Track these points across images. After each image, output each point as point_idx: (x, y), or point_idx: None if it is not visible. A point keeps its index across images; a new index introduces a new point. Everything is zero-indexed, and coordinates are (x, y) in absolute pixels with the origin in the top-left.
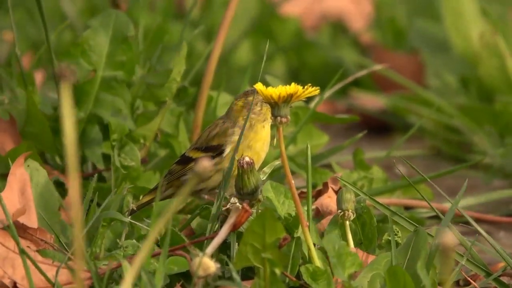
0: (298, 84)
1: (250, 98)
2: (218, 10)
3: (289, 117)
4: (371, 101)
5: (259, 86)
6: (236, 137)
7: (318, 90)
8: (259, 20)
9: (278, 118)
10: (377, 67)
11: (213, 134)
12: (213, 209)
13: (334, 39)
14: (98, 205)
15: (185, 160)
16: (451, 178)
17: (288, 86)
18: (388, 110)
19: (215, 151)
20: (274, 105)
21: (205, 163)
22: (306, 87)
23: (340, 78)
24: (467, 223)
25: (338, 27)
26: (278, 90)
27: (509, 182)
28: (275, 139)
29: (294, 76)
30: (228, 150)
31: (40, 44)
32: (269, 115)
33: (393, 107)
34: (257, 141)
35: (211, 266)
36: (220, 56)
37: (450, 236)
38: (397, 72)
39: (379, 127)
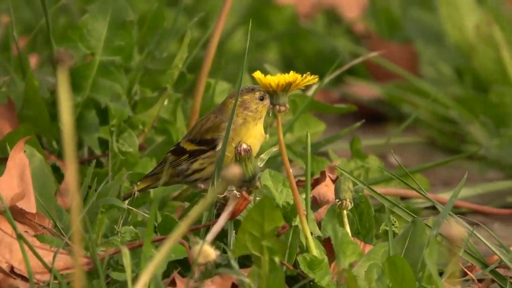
0: (293, 71)
1: (246, 97)
2: None
3: (287, 105)
4: (365, 90)
5: (257, 74)
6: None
7: (317, 79)
8: (254, 7)
9: (277, 106)
10: (373, 54)
11: (205, 128)
12: (208, 197)
13: (329, 27)
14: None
15: (180, 151)
16: (445, 169)
17: (286, 74)
18: (382, 100)
19: (209, 144)
20: (273, 93)
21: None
22: (304, 75)
23: (336, 66)
24: (462, 214)
25: (332, 15)
26: (277, 79)
27: (504, 174)
28: (269, 128)
29: (289, 64)
30: (221, 144)
31: (34, 28)
32: (264, 113)
33: (388, 96)
34: (248, 138)
35: (211, 253)
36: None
37: (456, 228)
38: (391, 61)
39: (372, 116)
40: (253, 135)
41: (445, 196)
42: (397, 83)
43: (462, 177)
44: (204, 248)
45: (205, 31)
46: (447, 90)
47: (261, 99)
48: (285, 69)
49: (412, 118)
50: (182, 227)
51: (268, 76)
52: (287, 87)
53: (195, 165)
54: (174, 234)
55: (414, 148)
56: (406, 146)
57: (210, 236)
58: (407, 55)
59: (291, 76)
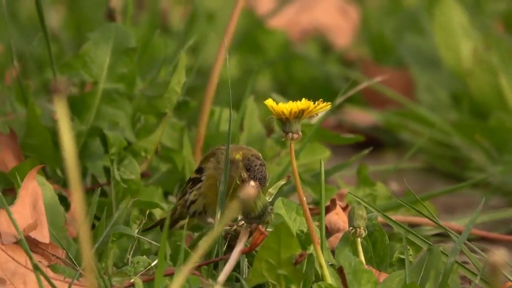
0: (286, 97)
1: (237, 157)
2: (202, 24)
3: (300, 133)
4: (361, 117)
5: (269, 102)
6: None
7: (330, 105)
8: (246, 32)
9: (290, 134)
10: (375, 80)
11: (204, 156)
12: (219, 225)
13: (322, 52)
14: (98, 219)
15: (189, 179)
16: (446, 195)
17: (298, 101)
18: (379, 126)
19: (201, 174)
20: (286, 121)
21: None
22: (317, 102)
23: (330, 92)
24: (470, 240)
25: (324, 40)
26: (290, 106)
27: (507, 200)
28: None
29: (282, 90)
30: (204, 177)
31: (21, 55)
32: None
33: (385, 122)
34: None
35: None
36: (206, 69)
37: (499, 255)
38: (386, 87)
39: (369, 143)
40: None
41: (454, 223)
42: (394, 109)
43: (465, 204)
44: None
45: (196, 58)
46: (444, 116)
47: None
48: (279, 94)
49: (416, 146)
50: (194, 258)
51: (281, 104)
52: (300, 114)
53: (191, 196)
54: (186, 266)
55: (413, 174)
56: (405, 172)
57: (223, 275)
58: (402, 81)
59: (304, 103)
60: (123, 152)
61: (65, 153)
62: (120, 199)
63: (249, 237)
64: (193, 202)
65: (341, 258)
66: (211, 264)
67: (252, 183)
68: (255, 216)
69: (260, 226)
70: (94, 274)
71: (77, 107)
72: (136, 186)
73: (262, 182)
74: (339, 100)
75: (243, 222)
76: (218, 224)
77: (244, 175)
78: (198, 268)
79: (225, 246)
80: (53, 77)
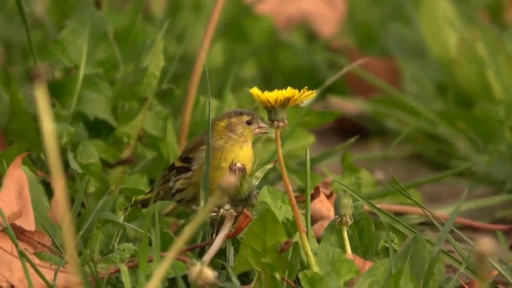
0: (271, 86)
1: (233, 120)
2: (187, 12)
3: (286, 121)
4: (347, 105)
5: (255, 90)
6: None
7: (315, 94)
8: (232, 18)
9: (275, 122)
10: (355, 63)
11: (189, 147)
12: (203, 211)
13: (307, 41)
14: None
15: (171, 167)
16: (431, 184)
17: (284, 90)
18: (365, 115)
19: (189, 163)
20: (271, 109)
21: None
22: (302, 90)
23: (315, 81)
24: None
25: (310, 28)
26: (275, 94)
27: (491, 189)
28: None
29: (267, 78)
30: (196, 166)
31: (8, 43)
32: (249, 137)
33: (371, 111)
34: (229, 162)
35: (209, 274)
36: (191, 57)
37: (486, 243)
38: (372, 76)
39: (355, 131)
40: (240, 157)
41: (440, 212)
42: (379, 98)
43: (450, 193)
44: (202, 269)
45: (181, 45)
46: (430, 105)
47: (249, 123)
48: (264, 83)
49: (402, 136)
50: (179, 244)
51: (266, 92)
52: (285, 102)
53: (177, 184)
54: (170, 252)
55: (398, 163)
56: (391, 161)
57: (208, 256)
58: (387, 70)
59: (289, 91)
60: (74, 139)
61: (46, 140)
62: (87, 184)
63: (234, 222)
64: (180, 190)
65: (319, 249)
66: (197, 250)
67: (238, 164)
68: (240, 199)
69: (245, 210)
70: (76, 262)
71: (59, 93)
72: (98, 169)
73: (254, 115)
74: (324, 87)
75: (228, 207)
76: (202, 211)
77: (245, 118)
78: (183, 254)
79: (212, 233)
80: (34, 63)
